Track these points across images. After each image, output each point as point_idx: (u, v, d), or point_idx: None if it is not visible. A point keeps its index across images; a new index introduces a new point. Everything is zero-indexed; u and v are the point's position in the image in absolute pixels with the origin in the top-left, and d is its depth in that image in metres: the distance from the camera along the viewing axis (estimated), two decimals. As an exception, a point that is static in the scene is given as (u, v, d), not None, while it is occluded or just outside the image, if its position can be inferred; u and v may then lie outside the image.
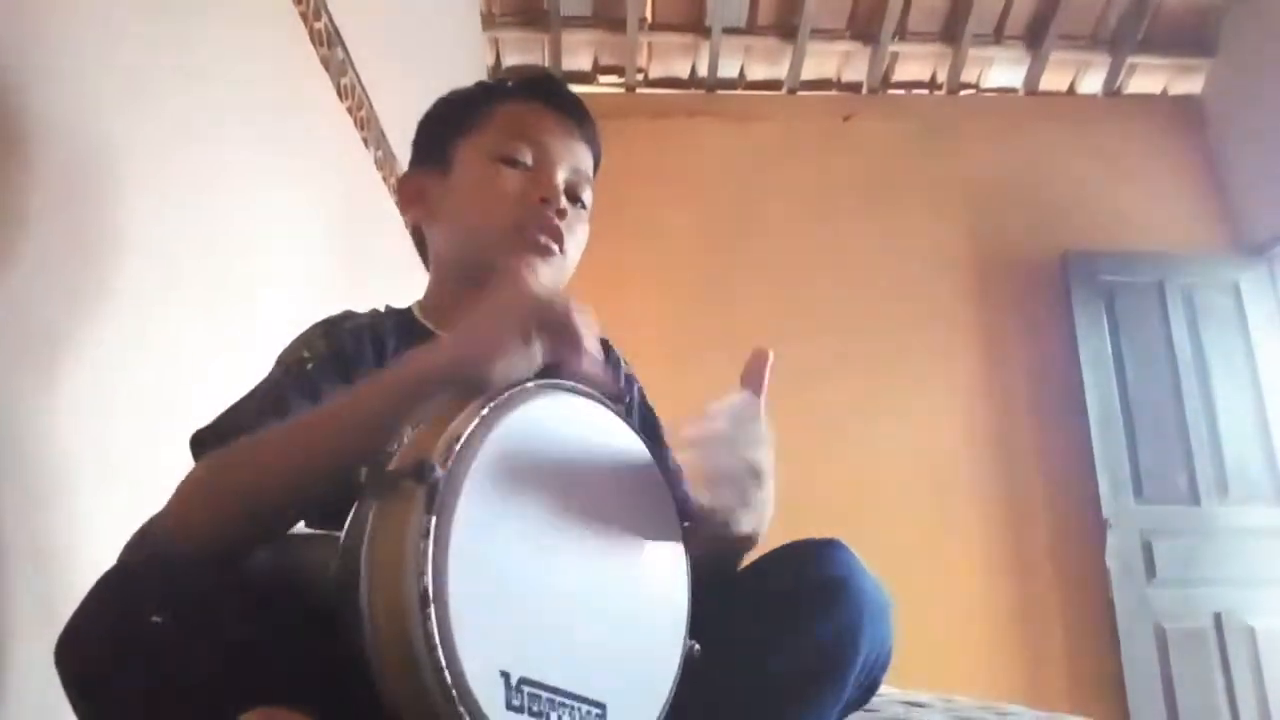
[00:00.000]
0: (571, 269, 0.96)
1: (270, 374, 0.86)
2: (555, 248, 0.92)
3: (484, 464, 0.57)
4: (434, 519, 0.53)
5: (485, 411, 0.59)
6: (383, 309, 0.98)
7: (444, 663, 0.51)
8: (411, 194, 1.00)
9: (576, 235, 0.95)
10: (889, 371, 3.35)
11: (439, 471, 0.54)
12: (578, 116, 0.98)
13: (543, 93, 0.98)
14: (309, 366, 0.84)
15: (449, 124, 0.98)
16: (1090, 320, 3.36)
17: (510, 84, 1.01)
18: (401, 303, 1.00)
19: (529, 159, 0.93)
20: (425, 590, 0.51)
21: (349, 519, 0.59)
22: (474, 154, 0.94)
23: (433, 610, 0.51)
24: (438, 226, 0.98)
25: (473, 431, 0.57)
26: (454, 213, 0.95)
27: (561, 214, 0.92)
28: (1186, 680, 2.99)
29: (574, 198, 0.95)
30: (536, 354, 0.65)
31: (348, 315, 0.95)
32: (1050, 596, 3.22)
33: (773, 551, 0.81)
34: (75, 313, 0.97)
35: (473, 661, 0.52)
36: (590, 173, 0.99)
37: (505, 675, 0.54)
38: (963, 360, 3.45)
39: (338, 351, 0.87)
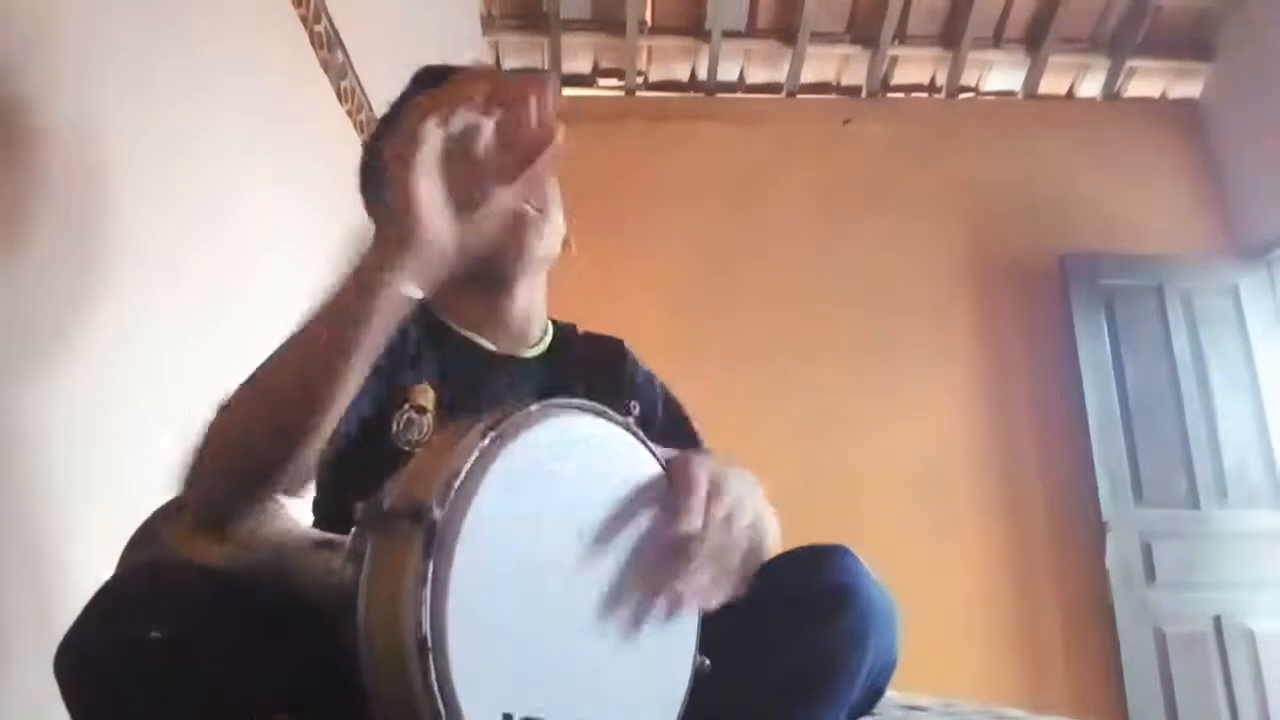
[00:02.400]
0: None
1: None
2: None
3: (483, 503, 0.55)
4: (432, 563, 0.52)
5: (485, 443, 0.58)
6: None
7: (443, 710, 0.51)
8: None
9: None
10: (888, 374, 3.35)
11: (436, 513, 0.53)
12: None
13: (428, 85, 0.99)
14: None
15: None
16: (1089, 323, 3.36)
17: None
18: None
19: None
20: (424, 639, 0.50)
21: (347, 547, 0.58)
22: None
23: (431, 658, 0.50)
24: None
25: (471, 468, 0.56)
26: None
27: None
28: (1186, 683, 2.99)
29: None
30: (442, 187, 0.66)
31: None
32: (1050, 600, 3.22)
33: (779, 557, 0.82)
34: (76, 314, 0.97)
35: (473, 705, 0.52)
36: None
37: (508, 718, 0.54)
38: (962, 364, 3.45)
39: None
